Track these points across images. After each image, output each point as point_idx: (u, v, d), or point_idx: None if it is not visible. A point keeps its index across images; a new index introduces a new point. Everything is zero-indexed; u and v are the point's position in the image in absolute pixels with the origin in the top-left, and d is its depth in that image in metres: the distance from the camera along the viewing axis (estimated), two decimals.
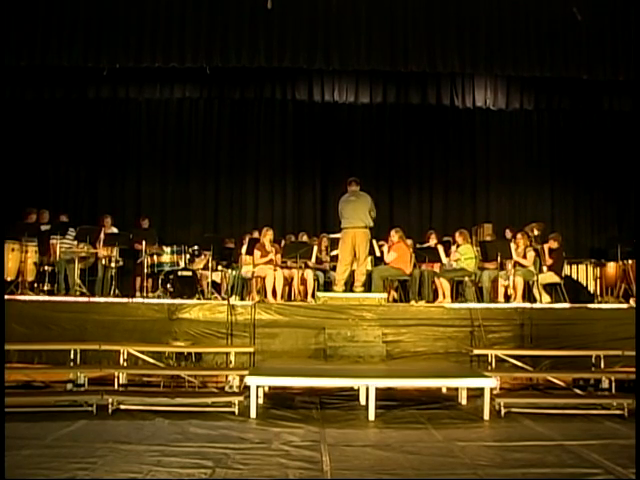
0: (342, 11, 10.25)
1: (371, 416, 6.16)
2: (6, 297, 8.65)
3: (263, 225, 11.16)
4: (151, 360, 7.95)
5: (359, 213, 9.67)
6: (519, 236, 10.34)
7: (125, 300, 9.27)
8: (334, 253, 10.60)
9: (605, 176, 14.10)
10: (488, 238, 11.42)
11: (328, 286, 10.33)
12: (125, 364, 7.83)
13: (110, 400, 6.29)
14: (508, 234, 11.42)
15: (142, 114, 14.17)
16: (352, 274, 9.90)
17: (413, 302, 9.88)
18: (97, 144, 13.83)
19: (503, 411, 6.37)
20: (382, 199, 13.97)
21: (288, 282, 10.32)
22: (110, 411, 6.22)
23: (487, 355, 8.16)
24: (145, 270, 10.46)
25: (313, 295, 9.86)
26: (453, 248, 10.57)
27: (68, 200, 13.61)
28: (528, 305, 9.32)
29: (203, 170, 14.14)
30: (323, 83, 13.54)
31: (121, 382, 7.51)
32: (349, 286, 9.85)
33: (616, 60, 10.46)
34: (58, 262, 10.36)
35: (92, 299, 9.37)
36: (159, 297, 9.94)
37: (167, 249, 10.65)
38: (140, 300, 9.40)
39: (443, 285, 10.06)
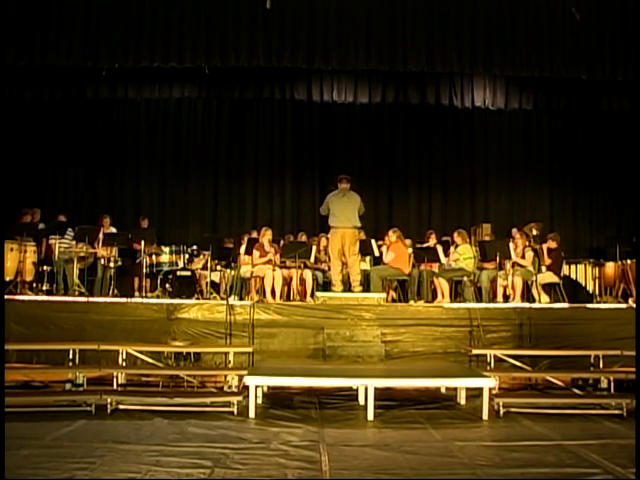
0: (341, 11, 10.26)
1: (370, 416, 6.16)
2: (5, 297, 8.63)
3: (262, 225, 11.15)
4: (150, 360, 7.94)
5: (348, 213, 9.65)
6: (518, 236, 10.35)
7: (124, 300, 9.26)
8: None
9: (604, 176, 14.11)
10: (487, 238, 11.42)
11: (327, 286, 10.32)
12: (124, 364, 7.82)
13: (109, 400, 6.28)
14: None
15: (141, 114, 14.19)
16: (348, 275, 9.92)
17: (412, 302, 9.88)
18: (96, 144, 13.85)
19: (502, 411, 6.37)
20: (381, 199, 14.03)
21: (287, 282, 10.31)
22: (109, 411, 6.22)
23: (486, 355, 8.15)
24: (144, 270, 10.47)
25: (312, 295, 9.86)
26: (452, 248, 10.58)
27: (67, 200, 13.63)
28: (527, 305, 9.32)
29: (202, 170, 14.15)
30: (322, 83, 13.56)
31: (120, 382, 7.50)
32: (348, 286, 9.85)
33: (615, 60, 10.48)
34: (57, 262, 10.36)
35: (91, 299, 9.36)
36: (158, 297, 9.95)
37: (166, 249, 10.66)
38: (139, 300, 9.40)
39: (442, 285, 10.07)
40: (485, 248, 10.12)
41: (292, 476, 4.34)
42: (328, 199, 9.87)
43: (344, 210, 9.66)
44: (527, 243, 10.22)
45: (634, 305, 9.64)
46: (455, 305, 9.46)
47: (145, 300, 9.41)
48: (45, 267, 10.25)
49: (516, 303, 9.49)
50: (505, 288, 9.87)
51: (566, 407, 6.59)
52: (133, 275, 11.02)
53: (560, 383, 7.89)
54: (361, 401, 6.60)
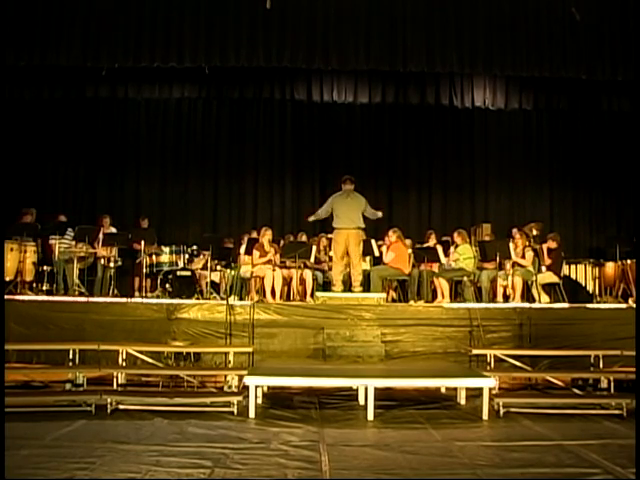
0: (341, 11, 10.26)
1: (370, 416, 6.16)
2: (5, 297, 8.63)
3: (262, 225, 11.15)
4: (150, 360, 7.94)
5: (352, 215, 9.66)
6: (517, 236, 10.35)
7: (124, 300, 9.26)
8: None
9: (604, 176, 14.12)
10: (487, 238, 11.42)
11: (327, 286, 10.33)
12: (124, 364, 7.82)
13: (109, 400, 6.28)
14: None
15: (141, 114, 14.19)
16: (349, 275, 9.92)
17: (412, 302, 9.88)
18: (96, 144, 13.85)
19: (502, 411, 6.37)
20: (381, 199, 13.97)
21: (287, 282, 10.31)
22: (109, 411, 6.21)
23: (486, 355, 8.15)
24: (144, 270, 10.46)
25: (312, 295, 9.86)
26: (452, 248, 10.58)
27: (67, 200, 13.64)
28: (527, 305, 9.32)
29: (202, 170, 14.16)
30: (322, 83, 13.55)
31: (120, 382, 7.51)
32: (348, 286, 9.86)
33: (615, 60, 10.48)
34: (57, 262, 10.36)
35: (91, 299, 9.35)
36: (158, 297, 9.95)
37: (166, 249, 10.66)
38: (139, 300, 9.39)
39: (442, 285, 10.07)
40: (485, 248, 10.12)
41: (292, 476, 4.34)
42: (331, 200, 9.88)
43: (348, 211, 9.67)
44: (527, 243, 10.22)
45: (634, 305, 9.64)
46: (455, 305, 9.46)
47: (145, 300, 9.41)
48: (45, 267, 10.25)
49: (516, 303, 9.50)
50: (505, 288, 9.87)
51: (566, 407, 6.58)
52: (133, 275, 11.02)
53: (560, 383, 7.89)
54: (361, 401, 6.60)
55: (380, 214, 10.11)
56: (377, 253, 10.62)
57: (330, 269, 10.43)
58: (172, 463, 4.55)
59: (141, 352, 7.95)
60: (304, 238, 11.46)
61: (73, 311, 8.84)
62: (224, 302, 9.04)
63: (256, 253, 10.17)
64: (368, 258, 10.81)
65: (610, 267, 11.20)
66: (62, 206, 12.57)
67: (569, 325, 8.93)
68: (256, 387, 6.31)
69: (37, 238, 10.26)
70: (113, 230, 11.06)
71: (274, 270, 9.88)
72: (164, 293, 10.21)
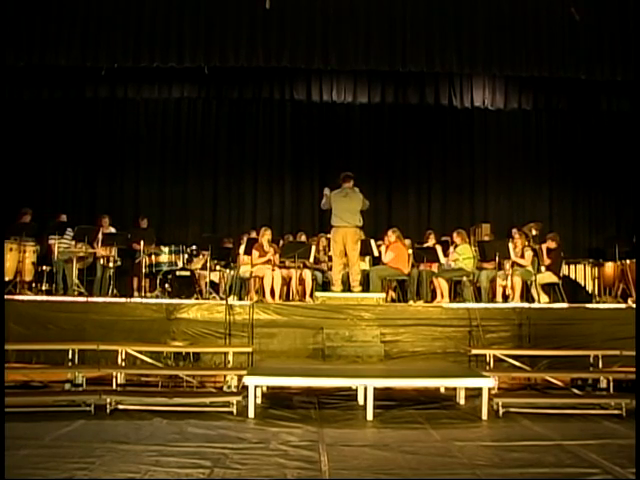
0: (340, 11, 10.27)
1: (369, 416, 6.15)
2: (4, 297, 8.63)
3: (261, 225, 11.15)
4: (149, 360, 7.94)
5: (349, 213, 9.63)
6: (517, 236, 10.35)
7: (123, 300, 9.26)
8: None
9: (603, 176, 14.13)
10: (486, 238, 11.43)
11: (326, 286, 10.32)
12: (123, 364, 7.82)
13: (108, 400, 6.27)
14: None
15: (140, 114, 14.20)
16: (349, 275, 9.92)
17: (411, 302, 9.89)
18: (95, 144, 13.86)
19: (501, 411, 6.37)
20: (380, 199, 14.02)
21: (286, 282, 10.31)
22: (108, 411, 6.21)
23: (485, 355, 8.15)
24: (143, 270, 10.47)
25: (311, 295, 9.86)
26: (451, 248, 10.58)
27: (66, 200, 13.62)
28: (526, 305, 9.33)
29: (201, 170, 14.16)
30: (321, 83, 13.57)
31: (119, 382, 7.50)
32: (347, 286, 9.85)
33: (614, 60, 10.49)
34: (56, 262, 10.36)
35: (90, 299, 9.36)
36: (157, 297, 9.96)
37: (165, 249, 10.67)
38: (138, 300, 9.40)
39: (441, 285, 10.07)
40: (484, 248, 10.13)
41: (291, 476, 4.34)
42: (331, 196, 9.86)
43: (346, 210, 9.65)
44: (526, 243, 10.22)
45: (633, 305, 9.64)
46: (454, 305, 9.46)
47: (144, 300, 9.42)
48: (44, 267, 10.24)
49: (515, 303, 9.50)
50: (504, 288, 9.87)
51: (565, 407, 6.58)
52: (132, 275, 11.02)
53: (559, 383, 7.88)
54: (360, 401, 6.60)
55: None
56: (376, 253, 10.62)
57: (329, 269, 10.43)
58: (171, 463, 4.55)
59: (140, 352, 7.95)
60: (303, 238, 11.47)
61: (72, 311, 8.84)
62: (223, 302, 9.04)
63: (255, 253, 10.16)
64: (367, 258, 10.81)
65: (609, 267, 11.21)
66: (62, 206, 12.54)
67: (568, 325, 8.94)
68: (255, 387, 6.31)
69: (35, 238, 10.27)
70: (112, 230, 11.06)
71: (273, 270, 9.87)
72: (163, 293, 10.21)
